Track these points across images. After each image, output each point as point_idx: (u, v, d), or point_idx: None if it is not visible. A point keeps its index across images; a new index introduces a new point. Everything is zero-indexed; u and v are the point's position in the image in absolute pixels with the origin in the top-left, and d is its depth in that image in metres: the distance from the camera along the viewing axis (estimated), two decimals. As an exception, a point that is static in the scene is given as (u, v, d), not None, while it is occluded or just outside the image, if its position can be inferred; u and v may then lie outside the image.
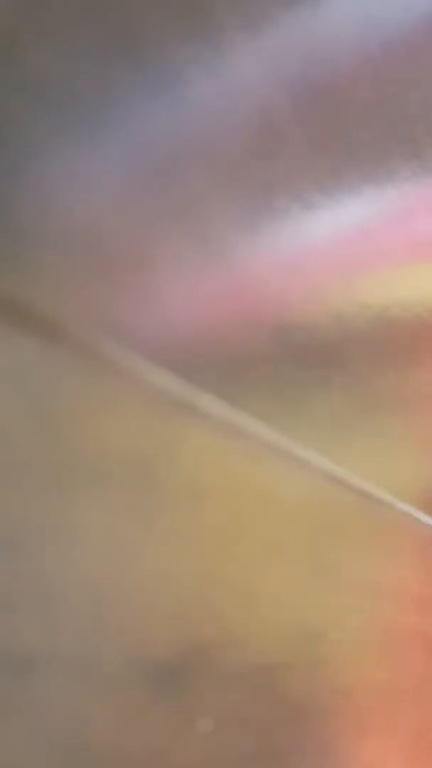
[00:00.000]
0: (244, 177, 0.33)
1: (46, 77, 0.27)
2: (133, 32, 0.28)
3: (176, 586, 0.34)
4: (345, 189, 0.39)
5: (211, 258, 0.32)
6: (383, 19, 0.36)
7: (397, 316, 0.43)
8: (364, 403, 0.43)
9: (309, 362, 0.39)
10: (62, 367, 0.28)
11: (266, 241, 0.35)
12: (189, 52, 0.30)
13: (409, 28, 0.38)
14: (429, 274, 0.45)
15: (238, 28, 0.31)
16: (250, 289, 0.36)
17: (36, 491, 0.28)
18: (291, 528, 0.39)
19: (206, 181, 0.31)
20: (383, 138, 0.40)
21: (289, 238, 0.37)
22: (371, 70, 0.38)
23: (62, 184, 0.26)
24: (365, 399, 0.43)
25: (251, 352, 0.35)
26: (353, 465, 0.41)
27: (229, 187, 0.32)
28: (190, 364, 0.32)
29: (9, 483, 0.27)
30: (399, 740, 0.49)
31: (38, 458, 0.27)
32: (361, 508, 0.44)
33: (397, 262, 0.43)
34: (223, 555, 0.36)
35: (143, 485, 0.32)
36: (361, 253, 0.41)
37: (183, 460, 0.33)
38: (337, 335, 0.40)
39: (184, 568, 0.34)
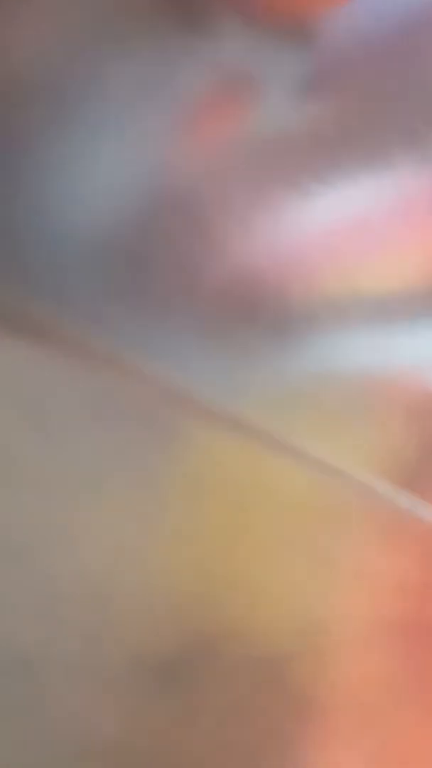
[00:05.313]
0: (242, 172, 0.33)
1: (40, 77, 0.26)
2: (127, 27, 0.28)
3: (178, 582, 0.34)
4: (343, 178, 0.39)
5: (210, 255, 0.32)
6: (383, 10, 0.36)
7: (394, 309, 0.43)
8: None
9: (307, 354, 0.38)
10: (59, 371, 0.28)
11: (267, 236, 0.35)
12: (184, 46, 0.30)
13: (410, 19, 0.38)
14: (425, 264, 0.44)
15: (233, 19, 0.31)
16: (249, 283, 0.35)
17: (35, 496, 0.27)
18: (292, 522, 0.39)
19: (204, 178, 0.31)
20: (382, 127, 0.40)
21: (287, 229, 0.37)
22: (370, 61, 0.37)
23: (55, 183, 0.26)
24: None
25: (249, 346, 0.35)
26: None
27: (227, 185, 0.32)
28: (189, 361, 0.32)
29: (7, 488, 0.26)
30: (402, 730, 0.49)
31: (37, 463, 0.27)
32: (362, 500, 0.44)
33: (396, 252, 0.43)
34: (224, 551, 0.36)
35: (144, 484, 0.31)
36: (360, 243, 0.41)
37: (183, 457, 0.33)
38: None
39: (186, 565, 0.34)
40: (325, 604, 0.42)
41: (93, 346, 0.29)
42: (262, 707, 0.39)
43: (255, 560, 0.37)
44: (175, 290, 0.31)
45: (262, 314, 0.36)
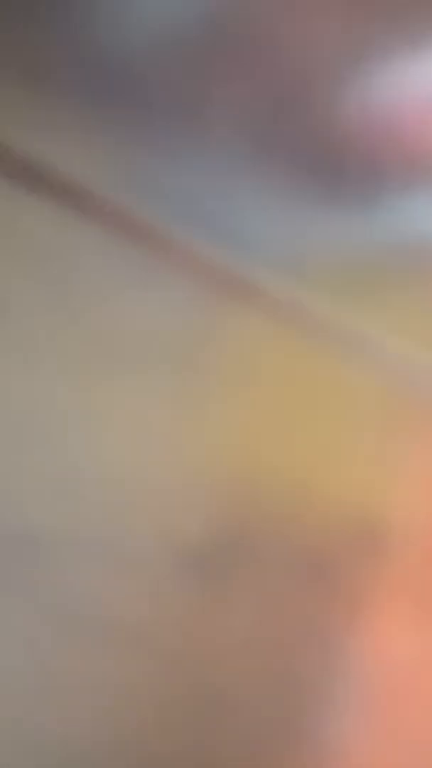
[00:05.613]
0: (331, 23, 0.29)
1: None
2: None
3: (216, 469, 0.32)
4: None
5: (278, 97, 0.28)
6: None
7: None
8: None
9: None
10: (89, 236, 0.25)
11: (358, 96, 0.31)
12: None
13: None
14: None
15: None
16: (337, 143, 0.32)
17: (52, 371, 0.25)
18: (353, 418, 0.36)
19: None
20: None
21: (378, 92, 0.34)
22: None
23: (89, 26, 0.23)
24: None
25: (317, 218, 0.31)
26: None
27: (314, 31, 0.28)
28: (243, 233, 0.29)
29: (19, 360, 0.24)
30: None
31: (56, 337, 0.25)
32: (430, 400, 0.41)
33: None
34: (272, 442, 0.34)
35: (183, 368, 0.29)
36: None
37: (232, 341, 0.30)
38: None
39: (227, 453, 0.32)
40: (381, 502, 0.39)
41: (132, 214, 0.26)
42: (305, 605, 0.37)
43: (306, 454, 0.35)
44: (227, 149, 0.28)
45: (350, 180, 0.33)
